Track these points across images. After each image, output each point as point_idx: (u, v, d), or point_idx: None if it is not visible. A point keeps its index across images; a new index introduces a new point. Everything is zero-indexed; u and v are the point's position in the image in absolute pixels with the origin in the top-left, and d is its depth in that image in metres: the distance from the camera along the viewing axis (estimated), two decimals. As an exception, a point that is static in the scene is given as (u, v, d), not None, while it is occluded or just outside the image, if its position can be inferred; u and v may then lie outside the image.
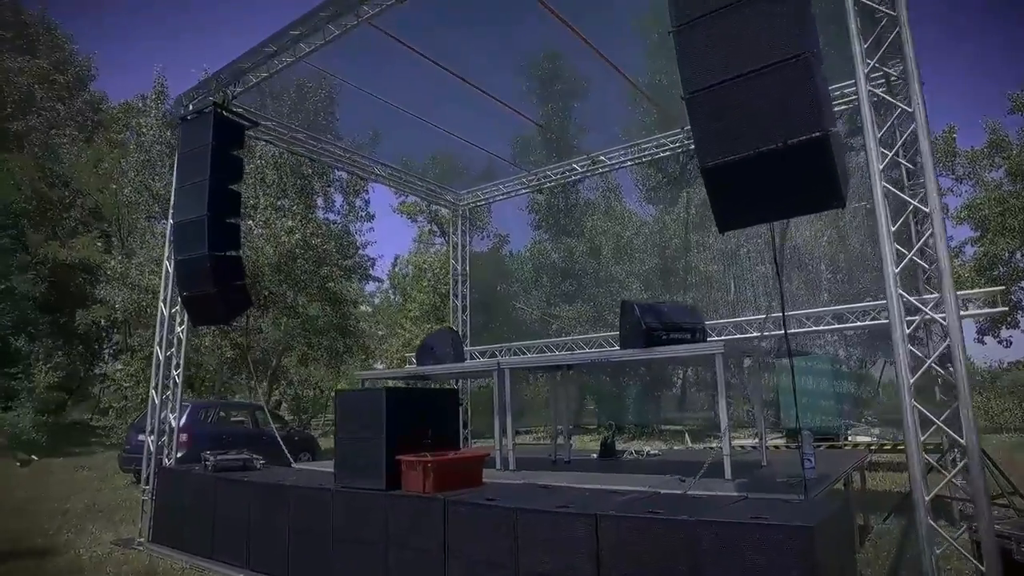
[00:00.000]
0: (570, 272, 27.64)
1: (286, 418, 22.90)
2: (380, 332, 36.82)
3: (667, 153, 10.86)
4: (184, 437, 12.50)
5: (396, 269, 41.13)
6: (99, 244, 22.03)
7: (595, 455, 8.25)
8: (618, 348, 6.52)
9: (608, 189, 27.24)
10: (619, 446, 8.79)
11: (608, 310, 23.86)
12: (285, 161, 20.15)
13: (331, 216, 25.06)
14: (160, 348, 8.15)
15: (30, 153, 25.66)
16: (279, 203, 20.13)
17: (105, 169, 21.48)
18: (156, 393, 8.00)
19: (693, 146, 4.32)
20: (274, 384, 23.06)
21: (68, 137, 26.92)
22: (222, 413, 15.51)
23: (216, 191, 7.73)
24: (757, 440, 6.88)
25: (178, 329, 8.29)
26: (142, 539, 7.66)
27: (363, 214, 25.59)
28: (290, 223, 18.47)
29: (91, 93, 32.25)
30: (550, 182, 12.04)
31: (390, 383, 7.59)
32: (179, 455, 9.56)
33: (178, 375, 8.16)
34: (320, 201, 24.31)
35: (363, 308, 41.25)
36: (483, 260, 29.25)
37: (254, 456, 7.39)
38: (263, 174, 20.05)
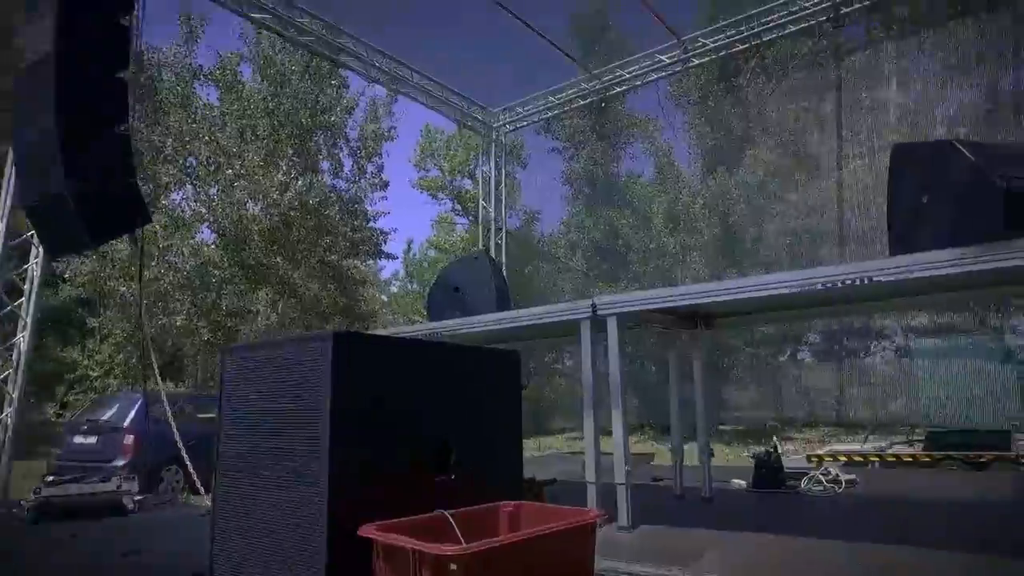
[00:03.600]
0: (612, 249, 24.14)
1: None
2: (399, 321, 33.75)
3: (799, 26, 7.25)
4: (129, 440, 9.28)
5: (410, 254, 37.79)
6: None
7: (742, 484, 4.73)
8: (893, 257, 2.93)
9: (657, 152, 23.70)
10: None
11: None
12: (279, 107, 16.87)
13: (340, 184, 21.80)
14: (-8, 293, 4.78)
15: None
16: (272, 159, 16.84)
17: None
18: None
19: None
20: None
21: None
22: (191, 409, 12.23)
23: (78, 11, 4.36)
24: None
25: (31, 263, 4.91)
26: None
27: (375, 180, 22.21)
28: (281, 177, 15.13)
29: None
30: (620, 84, 8.50)
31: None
32: (120, 463, 7.60)
33: (24, 338, 4.78)
34: (326, 165, 21.07)
35: (380, 297, 38.16)
36: (508, 241, 25.81)
37: (123, 488, 3.99)
38: (254, 124, 16.76)
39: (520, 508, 2.33)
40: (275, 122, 16.84)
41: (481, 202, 9.72)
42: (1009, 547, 2.57)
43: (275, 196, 15.34)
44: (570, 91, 8.97)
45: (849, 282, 2.63)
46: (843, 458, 11.09)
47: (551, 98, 9.17)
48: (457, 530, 1.85)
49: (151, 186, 13.89)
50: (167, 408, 5.70)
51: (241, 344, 2.63)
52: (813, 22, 6.92)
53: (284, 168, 16.77)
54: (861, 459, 11.09)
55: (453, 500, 2.15)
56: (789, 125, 17.51)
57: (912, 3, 9.37)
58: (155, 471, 8.58)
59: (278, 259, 16.75)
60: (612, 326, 3.40)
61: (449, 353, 2.61)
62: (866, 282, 2.60)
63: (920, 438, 11.53)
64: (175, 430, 4.84)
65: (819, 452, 11.78)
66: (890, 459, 10.83)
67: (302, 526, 2.02)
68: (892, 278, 2.57)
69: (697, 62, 7.98)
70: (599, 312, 3.45)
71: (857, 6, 6.83)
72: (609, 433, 3.65)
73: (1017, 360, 11.34)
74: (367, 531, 1.86)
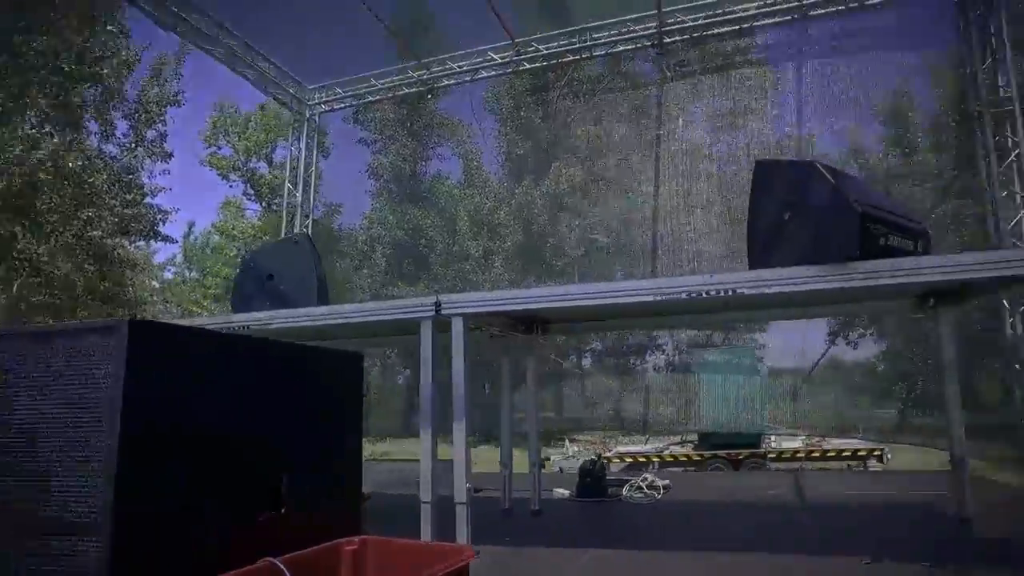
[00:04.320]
0: (414, 249, 23.78)
1: None
2: (172, 311, 30.11)
3: (627, 47, 7.61)
4: None
5: (191, 238, 34.12)
6: None
7: (565, 493, 4.69)
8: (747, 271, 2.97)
9: (467, 155, 23.84)
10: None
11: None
12: (28, 44, 13.96)
13: (111, 149, 18.69)
14: None
15: None
16: (16, 107, 13.89)
17: None
18: None
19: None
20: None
21: None
22: None
23: None
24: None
25: None
26: None
27: (156, 150, 19.47)
28: (28, 130, 12.53)
29: None
30: (449, 76, 8.25)
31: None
32: None
33: None
34: (95, 126, 17.91)
35: (152, 283, 33.84)
36: (314, 230, 24.21)
37: None
38: (-9, 63, 13.68)
39: (365, 546, 1.91)
40: (21, 62, 13.90)
41: (287, 185, 8.83)
42: (842, 544, 2.73)
43: (17, 151, 12.60)
44: (394, 78, 8.51)
45: (714, 293, 2.64)
46: (629, 459, 11.98)
47: (374, 82, 8.62)
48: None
49: None
50: None
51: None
52: (639, 45, 7.30)
53: (33, 121, 13.94)
54: (644, 459, 12.08)
55: (283, 538, 1.68)
56: (595, 143, 18.60)
57: (702, 49, 10.44)
58: None
59: (17, 229, 13.84)
60: (458, 327, 3.09)
61: (282, 353, 2.09)
62: (731, 293, 2.62)
63: (692, 439, 12.90)
64: None
65: (607, 454, 12.59)
66: (668, 459, 11.95)
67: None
68: (755, 291, 2.62)
69: (529, 66, 8.01)
70: (443, 311, 3.12)
71: (678, 39, 7.33)
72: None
73: (758, 371, 13.21)
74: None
